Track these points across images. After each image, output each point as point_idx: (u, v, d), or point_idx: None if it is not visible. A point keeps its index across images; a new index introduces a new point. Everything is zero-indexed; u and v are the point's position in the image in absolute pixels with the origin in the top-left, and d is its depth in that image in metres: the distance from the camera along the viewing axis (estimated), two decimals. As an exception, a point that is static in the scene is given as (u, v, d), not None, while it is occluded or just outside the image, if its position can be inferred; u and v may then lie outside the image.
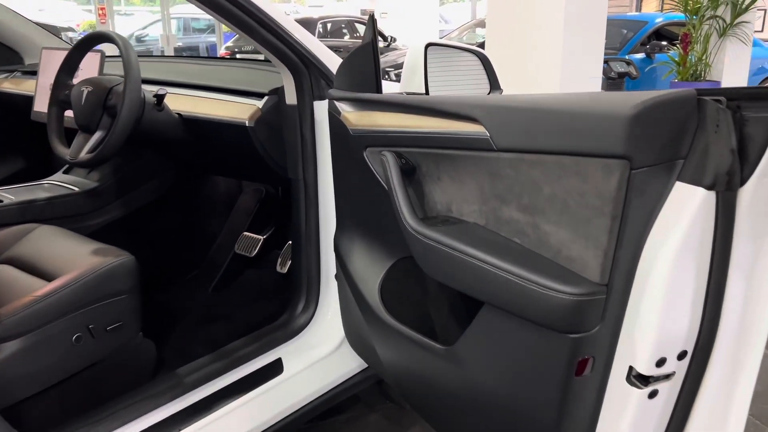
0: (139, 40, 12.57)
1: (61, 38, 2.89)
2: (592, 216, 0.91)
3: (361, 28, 10.60)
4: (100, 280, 1.43)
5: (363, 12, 13.67)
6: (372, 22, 1.33)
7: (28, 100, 2.22)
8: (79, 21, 13.44)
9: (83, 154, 1.65)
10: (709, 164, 0.88)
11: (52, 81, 1.80)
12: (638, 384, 0.97)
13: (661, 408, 1.02)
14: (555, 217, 0.97)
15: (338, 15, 11.24)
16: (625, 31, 7.19)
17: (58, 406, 1.43)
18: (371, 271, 1.41)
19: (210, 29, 13.15)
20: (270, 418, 1.56)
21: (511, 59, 4.10)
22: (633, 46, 6.96)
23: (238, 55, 8.89)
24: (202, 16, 12.70)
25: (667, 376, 0.98)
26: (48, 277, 1.48)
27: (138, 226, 2.23)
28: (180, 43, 12.32)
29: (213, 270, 2.33)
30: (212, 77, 1.95)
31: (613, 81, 5.75)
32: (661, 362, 0.95)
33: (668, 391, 1.01)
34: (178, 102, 1.80)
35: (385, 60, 7.17)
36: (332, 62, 1.54)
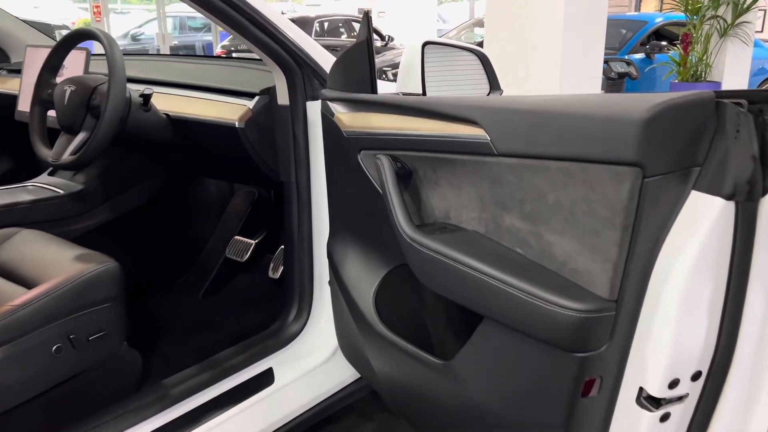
0: (134, 38, 12.57)
1: (54, 36, 2.85)
2: (600, 227, 0.87)
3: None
4: (83, 287, 1.39)
5: (360, 11, 13.67)
6: (367, 18, 1.29)
7: (13, 99, 2.18)
8: (75, 19, 13.43)
9: (66, 156, 1.61)
10: (729, 172, 0.83)
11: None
12: (649, 406, 0.93)
13: None
14: (560, 226, 0.93)
15: (335, 14, 11.24)
16: (625, 31, 7.20)
17: (37, 419, 1.39)
18: (366, 279, 1.38)
19: (206, 28, 13.16)
20: (260, 430, 1.54)
21: (509, 59, 4.09)
22: (632, 46, 6.96)
23: (234, 54, 8.88)
24: (199, 14, 12.68)
25: (680, 398, 0.93)
26: (28, 284, 1.43)
27: (126, 230, 2.20)
28: (176, 42, 12.33)
29: (203, 275, 2.30)
30: (201, 76, 1.92)
31: (613, 81, 5.75)
32: (674, 383, 0.90)
33: (681, 414, 0.96)
34: (166, 102, 1.77)
35: (382, 59, 7.20)
36: (326, 61, 1.51)
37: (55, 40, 1.98)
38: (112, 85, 1.53)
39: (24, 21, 2.64)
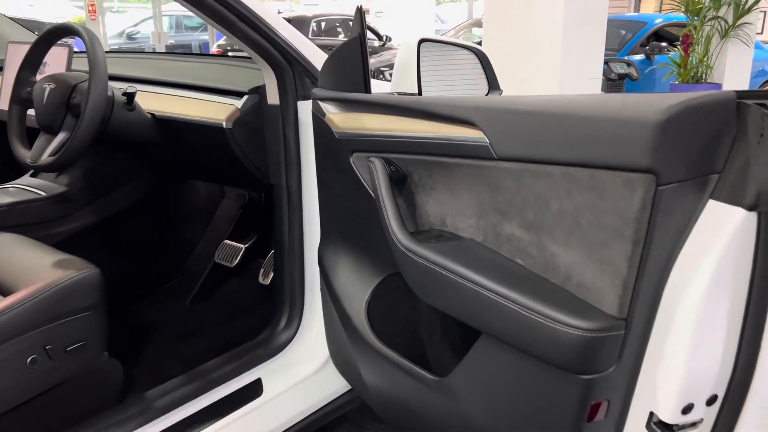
0: (130, 37, 12.56)
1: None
2: (609, 238, 0.81)
3: (357, 27, 10.58)
4: (61, 295, 1.33)
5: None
6: (360, 15, 1.25)
7: None
8: (70, 17, 13.38)
9: (45, 157, 1.55)
10: (751, 180, 0.77)
11: (17, 77, 1.71)
12: None
13: None
14: (564, 237, 0.87)
15: (333, 13, 11.22)
16: (624, 32, 7.19)
17: None
18: (357, 288, 1.33)
19: (203, 27, 13.18)
20: None
21: (508, 59, 4.07)
22: (632, 47, 6.94)
23: (230, 53, 8.85)
24: (196, 13, 12.70)
25: (694, 424, 0.88)
26: (3, 291, 1.38)
27: (110, 233, 2.15)
28: (172, 41, 12.33)
29: (191, 281, 2.25)
30: (188, 74, 1.88)
31: (613, 82, 5.72)
32: (687, 408, 0.85)
33: None
34: (151, 101, 1.72)
35: (379, 59, 7.19)
36: (318, 59, 1.47)
37: (39, 37, 1.93)
38: (92, 83, 1.48)
39: (14, 19, 2.59)
